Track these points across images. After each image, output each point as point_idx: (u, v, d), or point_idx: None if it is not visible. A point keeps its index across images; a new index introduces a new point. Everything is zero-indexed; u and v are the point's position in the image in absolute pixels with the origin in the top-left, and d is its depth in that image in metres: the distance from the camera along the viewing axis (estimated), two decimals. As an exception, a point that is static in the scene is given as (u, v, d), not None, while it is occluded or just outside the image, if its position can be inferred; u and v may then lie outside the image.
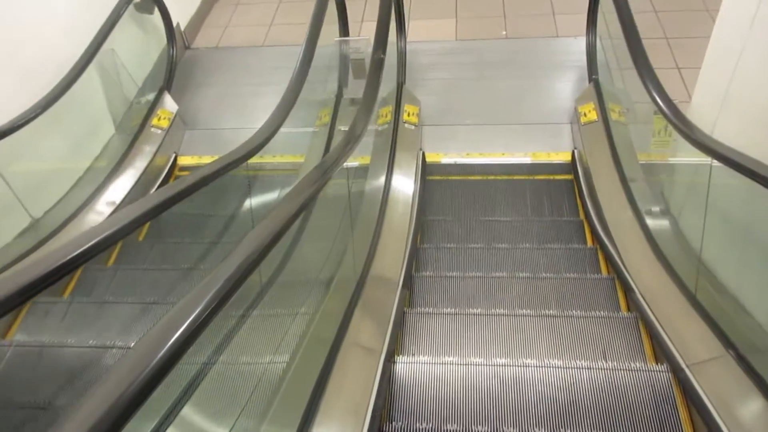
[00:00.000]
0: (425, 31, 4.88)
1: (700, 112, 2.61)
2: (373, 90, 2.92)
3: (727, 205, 2.26)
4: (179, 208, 1.94)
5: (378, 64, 3.09)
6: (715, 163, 2.09)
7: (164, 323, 0.99)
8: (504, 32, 4.80)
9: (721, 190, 2.20)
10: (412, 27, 4.85)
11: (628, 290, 2.49)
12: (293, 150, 3.96)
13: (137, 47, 4.29)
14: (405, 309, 2.52)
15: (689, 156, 2.83)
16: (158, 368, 0.89)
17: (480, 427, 1.92)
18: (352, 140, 2.45)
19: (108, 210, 3.54)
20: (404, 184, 3.34)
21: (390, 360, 2.07)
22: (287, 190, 1.89)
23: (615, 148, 3.40)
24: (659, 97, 2.64)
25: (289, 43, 4.82)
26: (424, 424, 1.94)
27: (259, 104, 4.37)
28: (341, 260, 2.50)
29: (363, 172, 3.45)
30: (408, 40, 4.45)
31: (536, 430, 1.92)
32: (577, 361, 2.11)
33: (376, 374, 1.94)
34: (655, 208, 2.96)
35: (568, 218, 3.42)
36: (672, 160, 3.11)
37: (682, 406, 1.98)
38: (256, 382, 1.90)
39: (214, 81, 4.75)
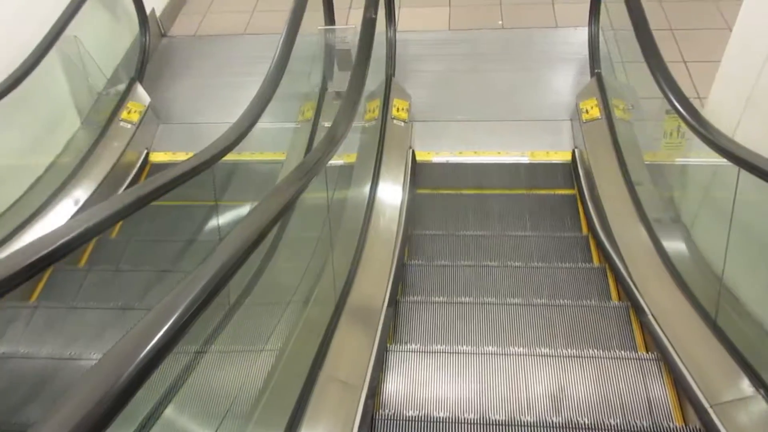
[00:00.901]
0: (416, 20, 4.59)
1: (718, 111, 2.36)
2: (365, 58, 2.68)
3: (752, 219, 2.02)
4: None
5: (369, 24, 2.85)
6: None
7: (138, 330, 0.91)
8: (500, 22, 4.53)
9: (745, 201, 1.95)
10: (402, 15, 4.57)
11: (638, 312, 2.24)
12: (273, 148, 3.70)
13: (106, 34, 3.99)
14: (398, 298, 2.44)
15: (703, 160, 2.60)
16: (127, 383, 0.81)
17: (469, 415, 1.91)
18: (335, 138, 2.19)
19: (71, 211, 3.26)
20: (392, 188, 3.07)
21: (372, 397, 1.81)
22: (257, 195, 1.67)
23: (620, 149, 3.15)
24: (673, 95, 2.39)
25: (273, 31, 4.46)
26: (414, 412, 1.92)
27: (239, 97, 4.01)
28: (319, 277, 2.23)
29: (347, 172, 3.19)
30: (398, 29, 4.17)
31: (525, 417, 1.89)
32: (567, 350, 2.14)
33: (356, 415, 1.69)
34: (665, 217, 2.72)
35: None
36: (680, 160, 2.87)
37: (672, 392, 1.99)
38: (216, 425, 1.64)
39: (192, 71, 4.46)
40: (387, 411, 1.92)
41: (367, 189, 2.99)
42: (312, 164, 1.89)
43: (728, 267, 2.05)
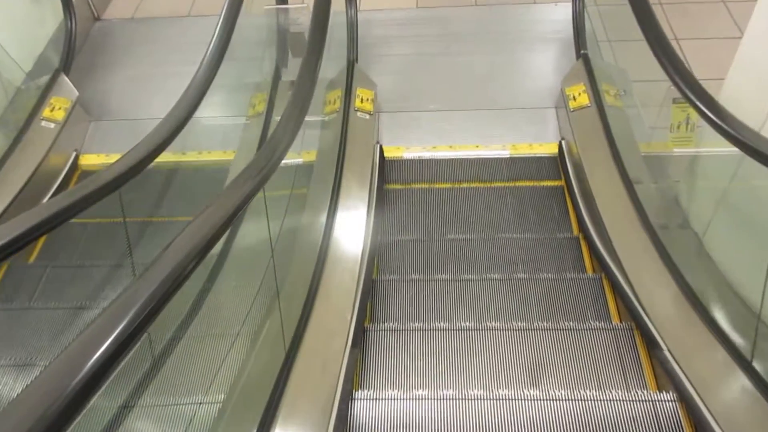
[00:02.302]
0: (381, -3, 4.15)
1: (738, 100, 1.98)
2: (319, 42, 2.29)
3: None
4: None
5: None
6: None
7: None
8: (473, -2, 4.11)
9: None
10: (365, -8, 4.12)
11: (651, 345, 1.88)
12: (218, 147, 3.27)
13: (23, 20, 3.47)
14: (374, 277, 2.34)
15: (716, 149, 2.24)
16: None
17: (448, 391, 1.89)
18: (280, 142, 1.79)
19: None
20: (357, 193, 2.66)
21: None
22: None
23: (614, 141, 2.77)
24: (683, 81, 2.01)
25: (220, 13, 4.04)
26: (393, 391, 1.90)
27: (183, 87, 3.65)
28: (267, 316, 1.82)
29: (302, 176, 2.78)
30: (360, 8, 3.73)
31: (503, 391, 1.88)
32: (543, 323, 2.15)
33: None
34: (672, 223, 2.36)
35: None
36: (679, 151, 2.51)
37: (645, 359, 2.00)
38: None
39: (130, 59, 3.96)
40: (368, 391, 1.88)
41: (327, 197, 2.57)
42: (247, 184, 1.48)
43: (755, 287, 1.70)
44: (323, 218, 2.48)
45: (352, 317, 1.96)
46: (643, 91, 3.02)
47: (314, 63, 2.33)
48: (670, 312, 1.92)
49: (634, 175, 2.62)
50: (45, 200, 3.08)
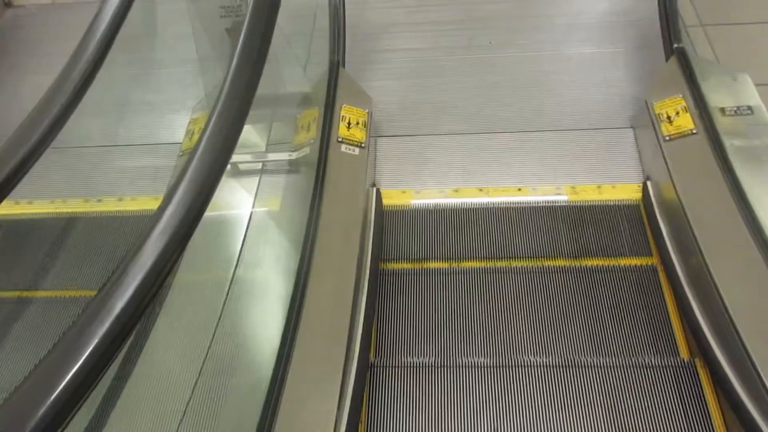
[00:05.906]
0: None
1: None
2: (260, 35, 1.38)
3: None
4: None
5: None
6: None
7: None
8: (505, -32, 3.07)
9: None
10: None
11: None
12: (143, 190, 2.32)
13: None
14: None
15: None
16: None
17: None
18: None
19: None
20: (334, 283, 1.67)
21: None
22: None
23: (744, 194, 1.75)
24: None
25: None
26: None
27: (114, 98, 2.75)
28: None
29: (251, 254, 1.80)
30: (350, -16, 2.71)
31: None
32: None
33: None
34: None
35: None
36: None
37: (672, 304, 1.78)
38: None
39: (44, 59, 3.06)
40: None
41: (286, 293, 1.59)
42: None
43: None
44: (278, 331, 1.51)
45: None
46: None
47: (250, 67, 1.33)
48: None
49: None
50: None
